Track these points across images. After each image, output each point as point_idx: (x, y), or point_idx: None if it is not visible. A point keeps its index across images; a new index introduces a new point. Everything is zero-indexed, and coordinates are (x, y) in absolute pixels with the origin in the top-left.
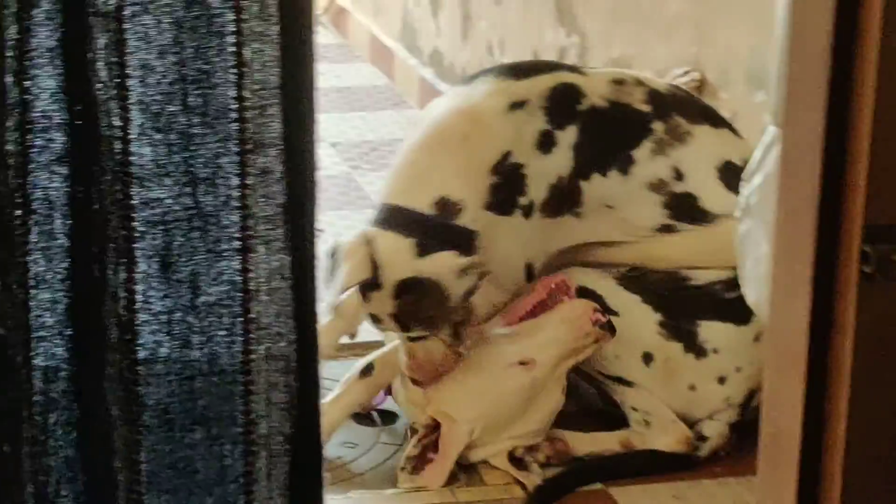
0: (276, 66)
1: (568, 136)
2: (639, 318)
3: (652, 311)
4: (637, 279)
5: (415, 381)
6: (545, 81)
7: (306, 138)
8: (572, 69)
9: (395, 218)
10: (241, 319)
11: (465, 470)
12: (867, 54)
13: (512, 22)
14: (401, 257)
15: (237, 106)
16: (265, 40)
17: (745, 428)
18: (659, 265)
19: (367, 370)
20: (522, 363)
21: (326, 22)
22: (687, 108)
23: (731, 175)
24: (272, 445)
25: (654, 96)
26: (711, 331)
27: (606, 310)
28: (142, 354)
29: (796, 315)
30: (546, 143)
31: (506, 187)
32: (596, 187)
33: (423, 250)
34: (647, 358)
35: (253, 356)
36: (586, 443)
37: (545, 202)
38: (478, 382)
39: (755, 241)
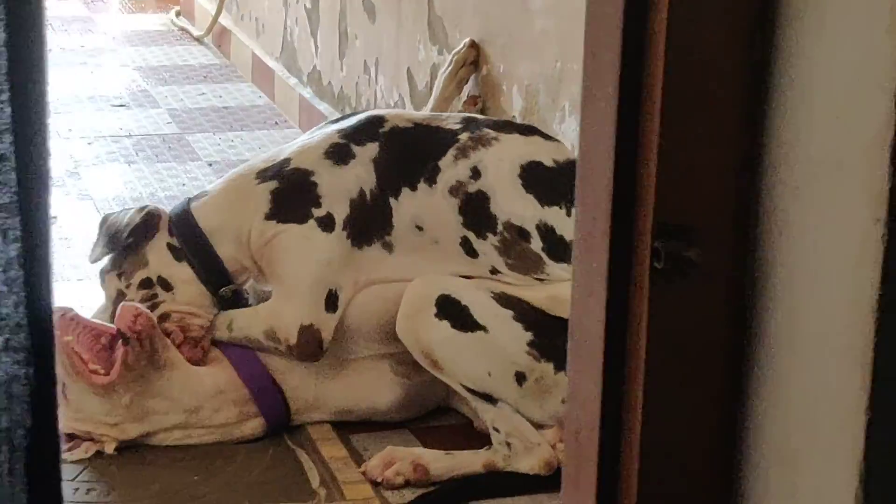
0: (3, 50)
1: (367, 151)
2: (508, 335)
3: (523, 329)
4: (513, 296)
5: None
6: (357, 117)
7: (38, 125)
8: (396, 110)
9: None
10: None
11: (325, 485)
12: (656, 61)
13: (386, 40)
14: None
15: None
16: None
17: None
18: None
19: None
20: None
21: (209, 42)
22: (499, 124)
23: (535, 173)
24: (14, 439)
25: (468, 119)
26: None
27: (472, 323)
28: None
29: (594, 312)
30: (341, 154)
31: (290, 193)
32: (407, 205)
33: None
34: (520, 377)
35: None
36: (448, 465)
37: (349, 219)
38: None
39: None
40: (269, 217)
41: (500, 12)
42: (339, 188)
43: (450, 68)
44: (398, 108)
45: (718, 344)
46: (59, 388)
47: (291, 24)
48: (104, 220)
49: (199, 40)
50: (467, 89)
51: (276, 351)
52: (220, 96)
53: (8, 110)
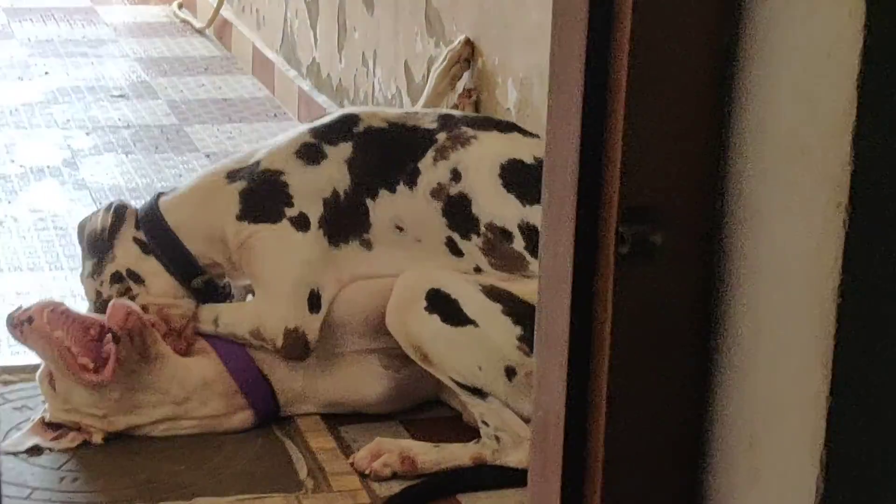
0: None
1: (340, 152)
2: (498, 330)
3: (512, 323)
4: (502, 290)
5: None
6: (330, 116)
7: None
8: (370, 108)
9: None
10: None
11: (312, 476)
12: (621, 46)
13: (384, 33)
14: None
15: None
16: None
17: None
18: None
19: None
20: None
21: (210, 34)
22: (477, 121)
23: (516, 171)
24: None
25: (445, 117)
26: None
27: (462, 317)
28: None
29: (560, 297)
30: (312, 153)
31: (260, 193)
32: (385, 206)
33: None
34: (510, 372)
35: None
36: (436, 458)
37: (323, 218)
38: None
39: None
40: (240, 218)
41: (495, 5)
42: (311, 188)
43: (443, 64)
44: (395, 100)
45: (683, 329)
46: (46, 379)
47: (291, 17)
48: (81, 231)
49: (200, 32)
50: (461, 83)
51: (262, 349)
52: (220, 88)
53: None
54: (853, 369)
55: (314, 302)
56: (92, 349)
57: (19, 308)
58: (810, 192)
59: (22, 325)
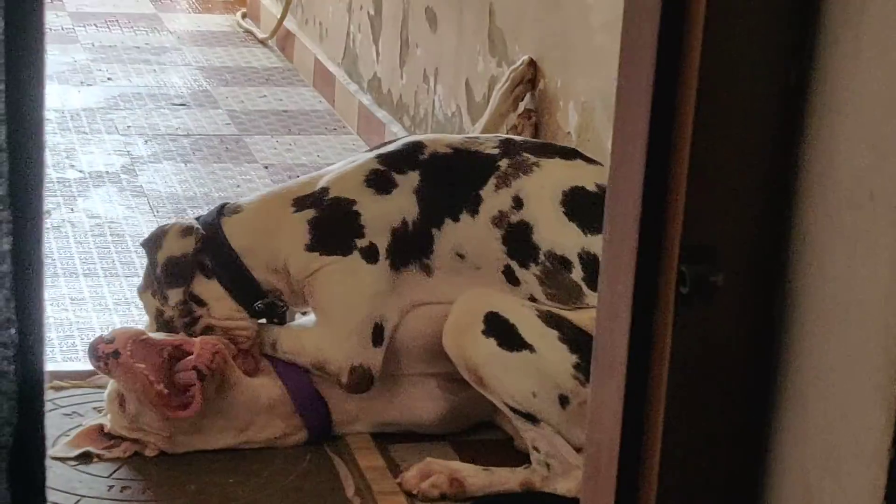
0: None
1: (409, 181)
2: (554, 357)
3: (568, 351)
4: (559, 316)
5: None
6: (396, 144)
7: (33, 118)
8: (433, 135)
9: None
10: None
11: (360, 495)
12: (688, 83)
13: (447, 50)
14: None
15: None
16: None
17: None
18: None
19: None
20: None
21: (273, 45)
22: (539, 147)
23: (578, 199)
24: (1, 437)
25: (506, 142)
26: None
27: (519, 342)
28: None
29: (618, 335)
30: (382, 182)
31: (331, 223)
32: (448, 235)
33: None
34: (564, 400)
35: None
36: (485, 481)
37: (391, 248)
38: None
39: None
40: (310, 248)
41: (560, 27)
42: (383, 218)
43: (506, 85)
44: (455, 118)
45: (741, 371)
46: (116, 399)
47: (354, 31)
48: (152, 249)
49: (263, 43)
50: (522, 104)
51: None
52: (281, 99)
53: (3, 103)
54: None
55: (378, 336)
56: (163, 370)
57: (100, 338)
58: (877, 239)
59: (107, 358)
